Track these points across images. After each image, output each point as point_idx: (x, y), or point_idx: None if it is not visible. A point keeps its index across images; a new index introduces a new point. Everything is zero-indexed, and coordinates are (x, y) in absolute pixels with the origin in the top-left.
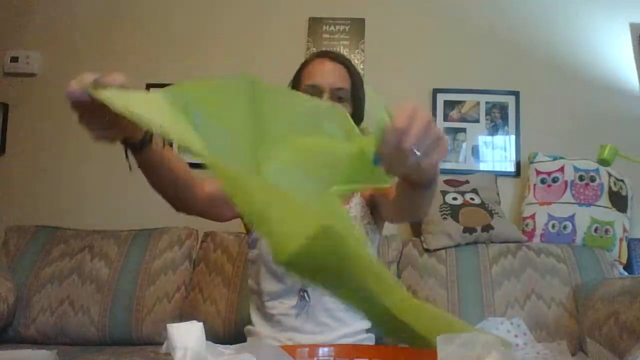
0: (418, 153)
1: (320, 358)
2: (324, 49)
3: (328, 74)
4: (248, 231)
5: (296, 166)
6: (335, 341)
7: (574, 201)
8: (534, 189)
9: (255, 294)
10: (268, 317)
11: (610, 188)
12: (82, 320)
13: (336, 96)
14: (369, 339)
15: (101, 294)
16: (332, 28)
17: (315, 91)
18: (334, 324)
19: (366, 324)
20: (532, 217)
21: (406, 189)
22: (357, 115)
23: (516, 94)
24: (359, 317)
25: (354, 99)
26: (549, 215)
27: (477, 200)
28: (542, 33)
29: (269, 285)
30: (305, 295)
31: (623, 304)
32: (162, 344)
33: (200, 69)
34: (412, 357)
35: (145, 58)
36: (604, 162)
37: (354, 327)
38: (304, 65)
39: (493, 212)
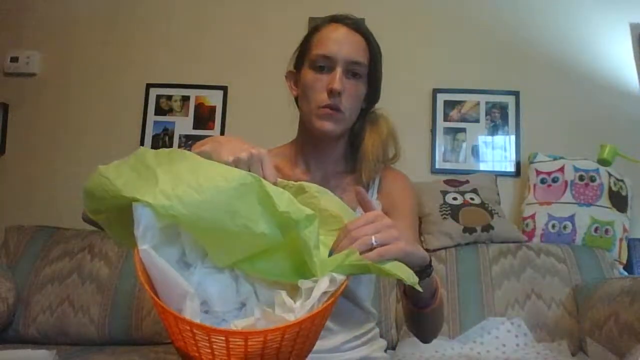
0: (374, 242)
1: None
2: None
3: (344, 43)
4: None
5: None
6: (339, 347)
7: (574, 201)
8: (534, 189)
9: None
10: None
11: (610, 188)
12: (82, 320)
13: (351, 72)
14: (374, 338)
15: (101, 294)
16: None
17: (328, 62)
18: (336, 327)
19: (371, 325)
20: (532, 217)
21: (408, 306)
22: (373, 97)
23: (516, 94)
24: (363, 318)
25: (371, 77)
26: (549, 215)
27: (477, 200)
28: (542, 33)
29: None
30: None
31: (623, 304)
32: (162, 343)
33: (199, 69)
34: None
35: (145, 58)
36: (604, 162)
37: (359, 330)
38: (313, 31)
39: (493, 212)
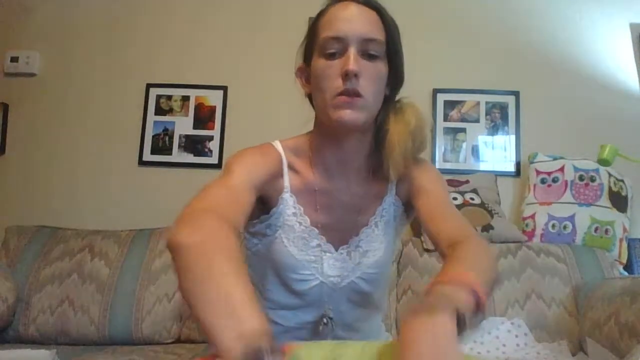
0: None
1: None
2: None
3: (355, 20)
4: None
5: None
6: None
7: (574, 201)
8: (534, 188)
9: (257, 292)
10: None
11: (610, 188)
12: (82, 320)
13: (367, 52)
14: (380, 333)
15: (101, 294)
16: None
17: (339, 45)
18: (355, 336)
19: (385, 335)
20: (532, 217)
21: None
22: (395, 77)
23: (516, 94)
24: (375, 328)
25: (390, 55)
26: (549, 215)
27: (477, 200)
28: (542, 33)
29: (278, 295)
30: (330, 322)
31: (623, 304)
32: (162, 343)
33: (199, 70)
34: None
35: (145, 58)
36: (604, 162)
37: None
38: (320, 15)
39: (493, 212)
